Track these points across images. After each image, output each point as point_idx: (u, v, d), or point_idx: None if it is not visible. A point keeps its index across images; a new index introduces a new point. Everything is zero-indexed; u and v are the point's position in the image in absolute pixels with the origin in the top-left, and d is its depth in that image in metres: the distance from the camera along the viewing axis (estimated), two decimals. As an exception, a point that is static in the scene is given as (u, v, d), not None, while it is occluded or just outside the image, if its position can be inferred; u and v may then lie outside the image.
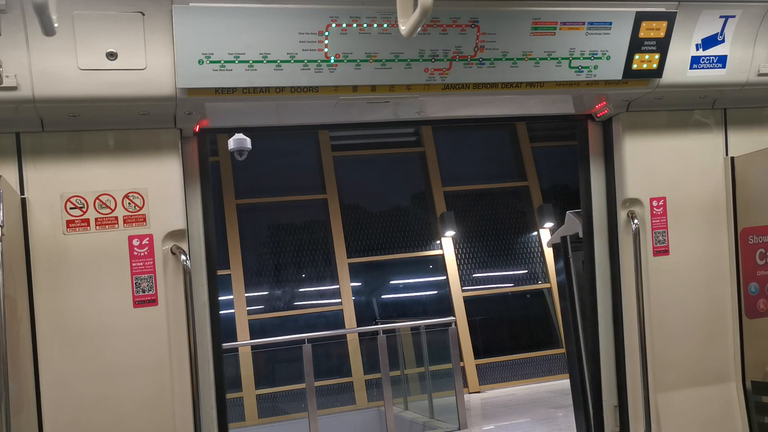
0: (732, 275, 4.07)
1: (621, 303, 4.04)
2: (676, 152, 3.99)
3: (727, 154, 4.07)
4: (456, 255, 13.81)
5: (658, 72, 3.52)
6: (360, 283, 13.55)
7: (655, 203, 3.96)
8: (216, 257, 3.60)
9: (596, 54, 3.40)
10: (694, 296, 4.03)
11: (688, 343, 4.03)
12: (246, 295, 12.69)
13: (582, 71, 3.42)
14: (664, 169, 3.97)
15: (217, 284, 3.58)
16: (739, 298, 4.06)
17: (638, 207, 3.94)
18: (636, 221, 3.88)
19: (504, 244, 14.38)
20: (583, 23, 3.30)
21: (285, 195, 13.48)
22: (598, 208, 4.11)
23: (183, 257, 3.27)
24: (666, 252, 3.98)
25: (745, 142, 4.06)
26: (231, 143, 10.97)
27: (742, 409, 4.07)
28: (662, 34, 3.41)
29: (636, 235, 3.87)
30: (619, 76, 3.48)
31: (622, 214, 3.97)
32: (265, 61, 3.02)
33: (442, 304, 13.66)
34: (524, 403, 11.61)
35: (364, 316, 13.24)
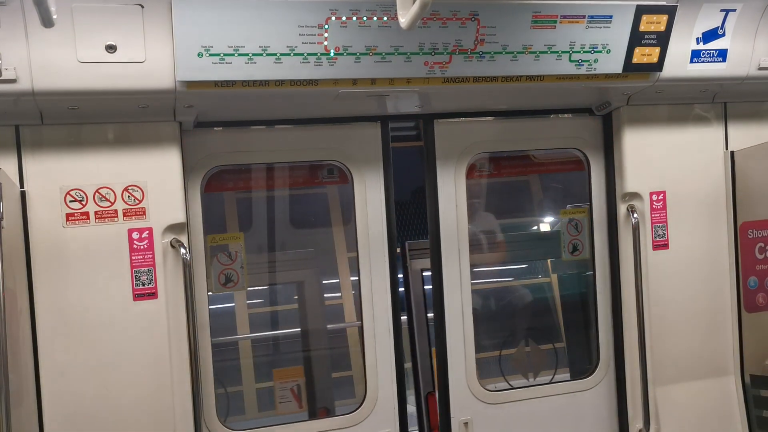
0: (731, 269, 4.07)
1: (620, 297, 4.05)
2: (676, 146, 3.98)
3: (727, 148, 4.07)
4: (456, 249, 13.77)
5: (659, 66, 3.51)
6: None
7: (654, 197, 3.95)
8: (395, 238, 3.90)
9: (596, 47, 3.39)
10: (694, 290, 4.03)
11: (687, 337, 4.03)
12: (247, 288, 12.64)
13: (582, 65, 3.41)
14: (664, 163, 3.97)
15: (396, 260, 3.92)
16: (738, 292, 4.06)
17: (638, 201, 3.94)
18: (636, 215, 3.88)
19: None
20: (584, 17, 3.29)
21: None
22: (597, 201, 4.11)
23: (182, 250, 3.27)
24: (665, 246, 3.98)
25: (745, 136, 4.06)
26: None
27: (741, 402, 4.07)
28: (663, 28, 3.40)
29: (635, 229, 3.87)
30: (620, 70, 3.47)
31: (621, 208, 3.97)
32: (264, 54, 3.02)
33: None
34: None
35: (364, 309, 13.20)
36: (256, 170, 4.45)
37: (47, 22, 2.32)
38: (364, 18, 3.04)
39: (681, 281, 4.01)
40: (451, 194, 3.92)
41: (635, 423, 4.03)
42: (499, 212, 5.18)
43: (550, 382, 4.29)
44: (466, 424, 3.95)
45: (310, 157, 3.96)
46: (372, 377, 3.87)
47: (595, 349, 4.22)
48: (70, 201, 3.17)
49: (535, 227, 5.62)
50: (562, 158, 4.50)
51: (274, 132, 3.78)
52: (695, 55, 3.61)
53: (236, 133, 3.68)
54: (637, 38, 3.40)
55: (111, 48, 2.91)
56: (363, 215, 3.83)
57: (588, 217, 4.19)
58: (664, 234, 3.97)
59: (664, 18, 3.38)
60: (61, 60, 2.88)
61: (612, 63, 3.45)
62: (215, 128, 3.63)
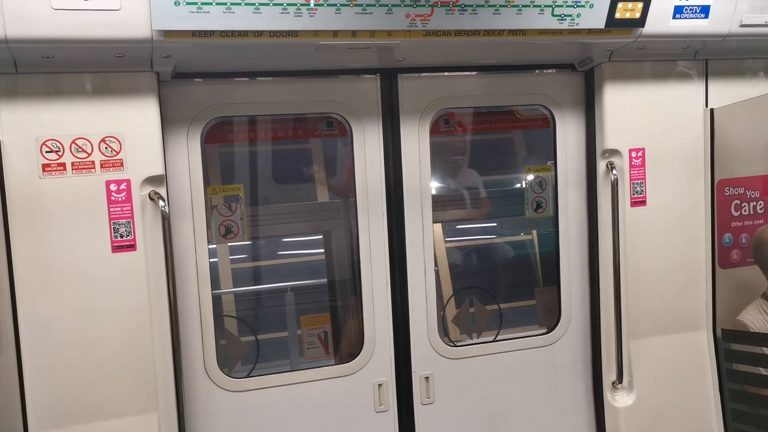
0: (707, 226, 4.13)
1: (597, 253, 4.10)
2: (656, 103, 3.99)
3: (707, 106, 4.08)
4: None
5: (641, 21, 3.50)
6: (343, 232, 13.53)
7: (634, 154, 3.98)
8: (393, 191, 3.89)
9: (579, 2, 3.36)
10: (670, 246, 4.09)
11: (662, 292, 4.10)
12: (229, 244, 12.65)
13: (565, 19, 3.39)
14: (644, 120, 3.98)
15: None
16: (713, 249, 4.12)
17: (617, 158, 3.96)
18: (615, 172, 3.90)
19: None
20: (567, -30, 3.26)
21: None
22: (575, 158, 4.12)
23: (161, 203, 3.26)
24: (643, 203, 4.02)
25: (725, 93, 4.07)
26: None
27: (712, 356, 4.17)
28: None
29: (614, 185, 3.90)
30: (602, 25, 3.45)
31: (601, 165, 3.99)
32: (243, 4, 2.96)
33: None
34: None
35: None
36: (249, 123, 4.37)
37: None
38: None
39: (657, 237, 4.06)
40: (415, 150, 3.90)
41: (609, 375, 4.12)
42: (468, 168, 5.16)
43: (511, 338, 4.32)
44: (427, 378, 4.01)
45: (307, 109, 3.90)
46: (369, 328, 3.91)
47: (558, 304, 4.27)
48: (47, 151, 3.14)
49: (518, 185, 5.61)
50: (535, 115, 4.46)
51: (266, 84, 3.72)
52: (678, 11, 3.60)
53: (223, 84, 3.61)
54: None
55: None
56: (362, 168, 3.82)
57: (553, 174, 4.20)
58: (642, 191, 4.01)
59: (648, -28, 3.35)
60: (35, 7, 2.80)
61: (594, 18, 3.43)
62: (196, 79, 3.58)
